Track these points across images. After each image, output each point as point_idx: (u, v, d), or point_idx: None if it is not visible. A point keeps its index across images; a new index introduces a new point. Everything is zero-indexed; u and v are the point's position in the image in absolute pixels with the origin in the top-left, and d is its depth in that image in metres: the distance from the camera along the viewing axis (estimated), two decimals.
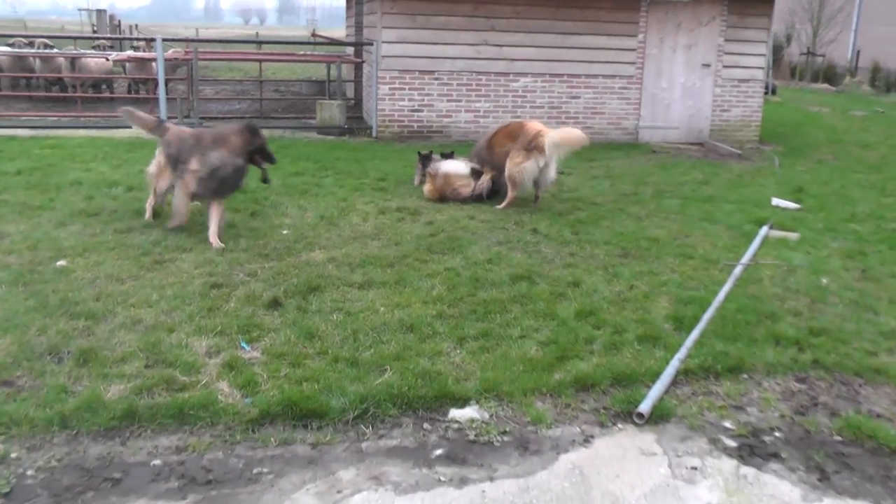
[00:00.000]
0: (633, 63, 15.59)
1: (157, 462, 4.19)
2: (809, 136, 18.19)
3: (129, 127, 14.97)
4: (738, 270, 7.44)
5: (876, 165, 14.41)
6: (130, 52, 20.64)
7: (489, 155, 10.03)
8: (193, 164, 7.88)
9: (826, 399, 5.23)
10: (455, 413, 4.80)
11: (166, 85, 20.39)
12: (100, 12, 32.59)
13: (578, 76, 15.46)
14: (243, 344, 5.55)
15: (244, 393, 4.85)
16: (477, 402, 4.91)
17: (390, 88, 14.86)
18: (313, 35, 25.26)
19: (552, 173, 9.63)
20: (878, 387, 5.40)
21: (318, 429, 4.57)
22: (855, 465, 4.46)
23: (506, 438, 4.58)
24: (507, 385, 5.06)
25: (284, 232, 8.21)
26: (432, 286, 6.76)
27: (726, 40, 15.85)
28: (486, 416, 4.79)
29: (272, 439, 4.43)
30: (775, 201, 10.58)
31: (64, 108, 18.00)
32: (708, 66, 15.88)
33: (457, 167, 9.95)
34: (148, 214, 8.52)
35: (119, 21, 36.41)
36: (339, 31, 28.65)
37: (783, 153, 15.43)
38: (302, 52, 20.45)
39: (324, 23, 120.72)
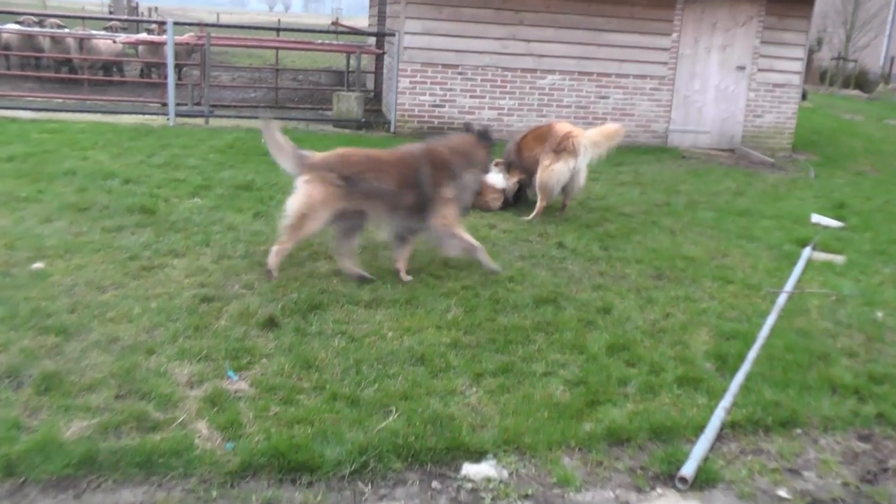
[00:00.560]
0: (666, 63, 14.85)
1: None
2: (845, 145, 17.40)
3: (134, 112, 14.52)
4: (782, 299, 6.75)
5: None
6: (141, 35, 20.01)
7: (518, 158, 9.36)
8: (447, 192, 6.71)
9: None
10: (469, 469, 4.14)
11: (179, 70, 19.97)
12: None
13: (608, 75, 14.73)
14: (230, 373, 4.90)
15: (226, 436, 4.20)
16: (495, 457, 4.24)
17: (411, 82, 14.18)
18: (334, 24, 24.57)
19: (582, 179, 8.96)
20: None
21: (309, 485, 3.91)
22: None
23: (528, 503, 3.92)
24: (530, 435, 4.40)
25: None
26: (447, 308, 6.08)
27: (762, 42, 15.08)
28: (505, 474, 4.12)
29: (254, 497, 3.78)
30: (815, 218, 9.85)
31: (72, 90, 17.41)
32: (743, 68, 15.11)
33: (493, 179, 9.16)
34: (276, 266, 6.52)
35: (137, 3, 35.80)
36: (364, 21, 27.94)
37: (818, 163, 14.68)
38: (320, 41, 19.76)
39: (349, 11, 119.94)
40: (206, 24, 17.03)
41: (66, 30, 20.61)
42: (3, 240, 6.82)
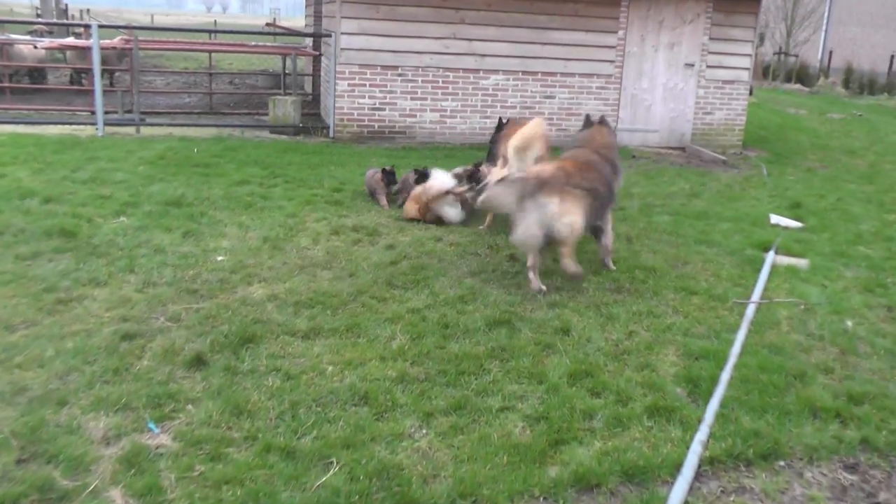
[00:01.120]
0: (613, 61, 14.49)
1: None
2: (792, 140, 17.27)
3: (62, 123, 13.75)
4: (750, 311, 6.37)
5: (867, 175, 13.49)
6: (67, 40, 19.11)
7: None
8: (616, 186, 7.23)
9: (887, 497, 4.15)
10: None
11: (111, 76, 19.15)
12: None
13: (554, 74, 14.33)
14: (151, 424, 4.35)
15: None
16: None
17: (349, 84, 13.62)
18: (269, 24, 23.87)
19: None
20: None
21: None
22: None
23: None
24: (489, 486, 3.92)
25: (220, 258, 6.99)
26: (392, 335, 5.58)
27: (711, 39, 14.81)
28: None
29: None
30: (774, 219, 9.55)
31: None
32: (691, 66, 14.83)
33: (443, 180, 8.67)
34: (536, 284, 6.61)
35: (66, 5, 34.59)
36: (302, 21, 27.30)
37: (769, 160, 14.49)
38: (254, 43, 19.07)
39: (287, 12, 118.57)
40: (135, 27, 16.22)
41: None
42: None
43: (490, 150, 9.45)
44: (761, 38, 34.72)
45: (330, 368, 5.05)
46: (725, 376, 5.14)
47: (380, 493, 3.81)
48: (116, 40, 17.55)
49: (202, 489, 3.77)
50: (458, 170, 8.97)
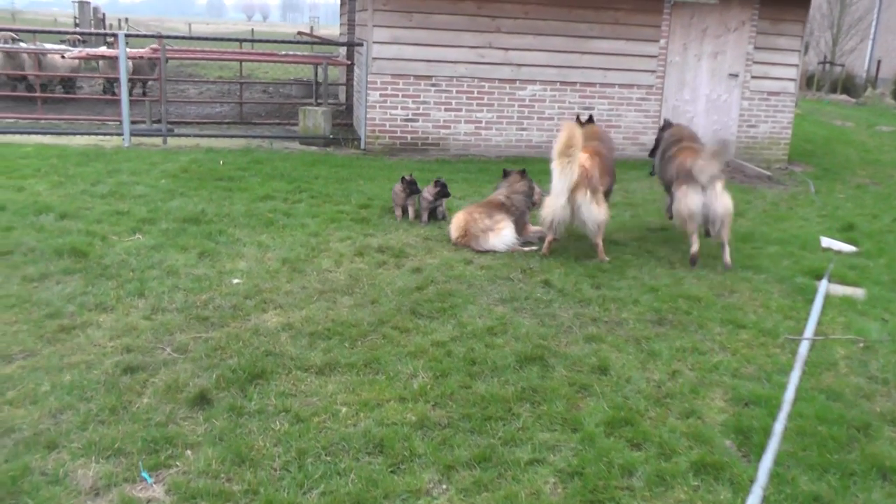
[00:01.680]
0: (654, 71, 13.98)
1: None
2: (840, 154, 16.60)
3: (89, 133, 13.51)
4: (803, 349, 5.85)
5: None
6: (100, 49, 18.97)
7: None
8: None
9: None
10: None
11: (144, 85, 18.98)
12: (83, 4, 30.77)
13: (593, 85, 13.84)
14: (144, 474, 3.96)
15: None
16: None
17: (381, 95, 13.24)
18: (300, 34, 23.59)
19: (585, 211, 7.56)
20: None
21: None
22: None
23: None
24: None
25: (235, 281, 6.61)
26: (414, 372, 5.14)
27: (756, 48, 14.24)
28: None
29: None
30: (826, 242, 8.98)
31: (27, 109, 16.37)
32: (735, 76, 14.27)
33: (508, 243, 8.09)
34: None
35: (104, 14, 34.67)
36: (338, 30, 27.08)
37: (816, 175, 13.86)
38: (284, 53, 18.78)
39: (326, 20, 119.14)
40: (164, 36, 15.98)
41: (23, 44, 19.53)
42: None
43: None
44: (805, 47, 33.90)
45: (344, 410, 4.62)
46: (779, 427, 4.64)
47: None
48: (145, 50, 17.38)
49: None
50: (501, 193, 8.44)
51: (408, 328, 5.84)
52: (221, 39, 17.42)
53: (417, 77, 13.25)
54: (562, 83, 13.75)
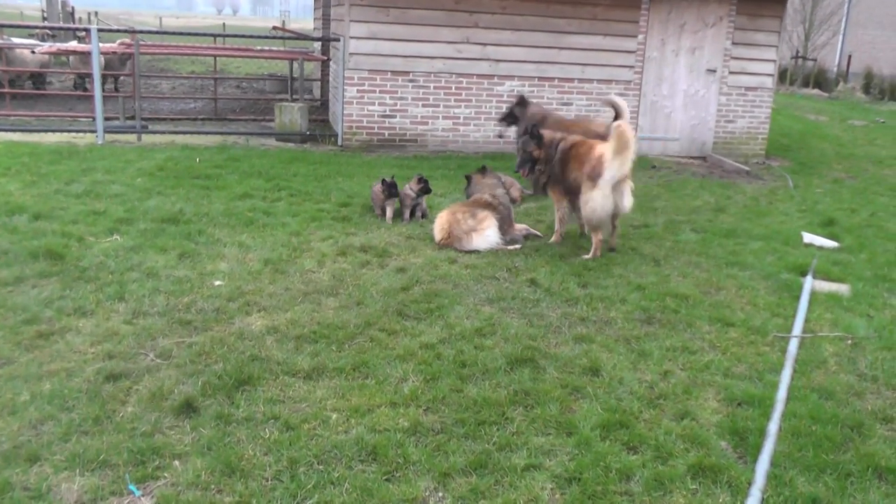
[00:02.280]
0: (632, 67, 13.95)
1: None
2: (816, 149, 16.69)
3: (61, 130, 13.27)
4: (793, 346, 5.83)
5: None
6: (70, 44, 18.65)
7: (561, 172, 8.13)
8: None
9: None
10: None
11: (115, 81, 18.70)
12: None
13: (571, 80, 13.79)
14: (131, 486, 3.84)
15: None
16: None
17: (359, 91, 13.10)
18: (275, 28, 23.36)
19: (626, 202, 7.72)
20: None
21: None
22: None
23: None
24: None
25: (217, 283, 6.48)
26: (404, 376, 5.06)
27: (734, 44, 14.25)
28: None
29: None
30: (807, 238, 8.99)
31: None
32: (713, 71, 14.28)
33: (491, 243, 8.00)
34: None
35: (73, 8, 34.11)
36: (311, 24, 26.84)
37: (793, 170, 13.93)
38: (260, 48, 18.57)
39: (297, 13, 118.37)
40: (137, 31, 15.73)
41: None
42: None
43: None
44: None
45: (334, 416, 4.53)
46: (774, 427, 4.61)
47: None
48: (116, 44, 17.12)
49: None
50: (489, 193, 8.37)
51: (395, 330, 5.75)
52: (195, 34, 17.22)
53: (395, 73, 13.14)
54: (540, 78, 13.68)
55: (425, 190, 8.77)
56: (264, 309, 6.01)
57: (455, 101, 13.51)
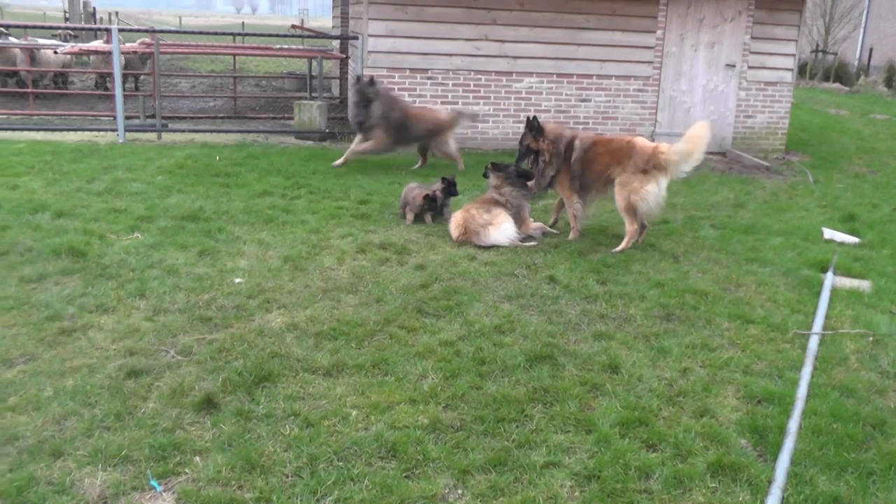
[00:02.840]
0: (651, 62, 13.90)
1: None
2: (836, 143, 16.57)
3: (83, 129, 13.37)
4: (813, 343, 5.80)
5: None
6: (94, 44, 18.80)
7: (582, 169, 8.24)
8: None
9: None
10: None
11: (136, 80, 18.82)
12: None
13: (589, 76, 13.75)
14: (153, 482, 3.88)
15: None
16: None
17: None
18: (294, 27, 23.42)
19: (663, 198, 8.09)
20: None
21: None
22: None
23: None
24: None
25: (237, 280, 6.52)
26: (423, 373, 5.07)
27: (753, 38, 14.17)
28: None
29: None
30: (828, 233, 8.93)
31: (18, 104, 16.20)
32: (732, 66, 14.19)
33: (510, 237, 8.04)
34: None
35: (94, 8, 34.35)
36: (330, 22, 26.88)
37: (813, 164, 13.83)
38: (278, 46, 18.65)
39: (316, 12, 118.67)
40: (156, 31, 15.83)
41: (12, 39, 19.33)
42: None
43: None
44: None
45: (354, 413, 4.55)
46: (794, 425, 4.59)
47: None
48: (136, 44, 17.23)
49: None
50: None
51: (414, 327, 5.76)
52: (215, 33, 17.26)
53: (413, 70, 13.15)
54: (558, 75, 13.66)
55: (452, 192, 8.67)
56: (284, 306, 6.04)
57: (473, 98, 13.50)
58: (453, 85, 13.35)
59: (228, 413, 4.49)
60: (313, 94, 16.05)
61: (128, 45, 16.29)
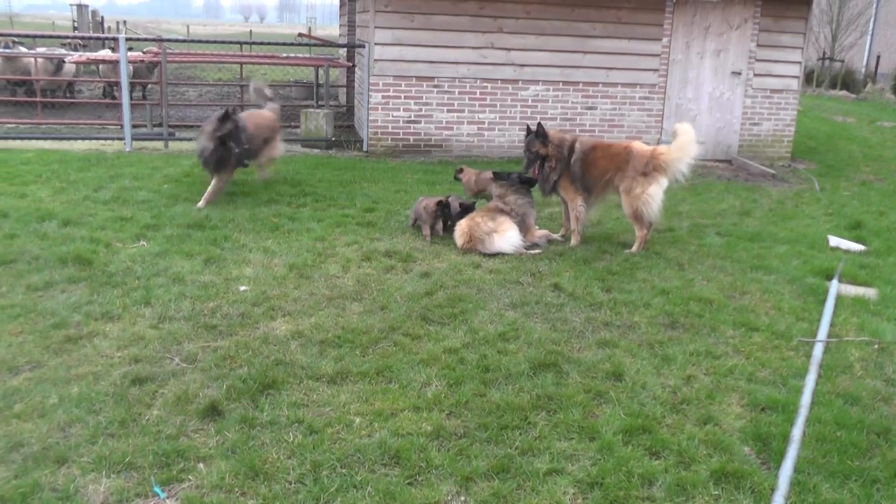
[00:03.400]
0: (657, 70, 13.91)
1: None
2: (843, 151, 16.54)
3: (90, 138, 13.44)
4: (818, 351, 5.79)
5: None
6: (102, 52, 18.90)
7: (582, 171, 8.32)
8: None
9: None
10: None
11: (143, 89, 18.91)
12: (81, 7, 30.61)
13: (595, 84, 13.77)
14: (157, 489, 3.89)
15: None
16: None
17: (384, 96, 13.17)
18: (300, 35, 23.49)
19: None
20: None
21: None
22: None
23: None
24: None
25: (242, 288, 6.54)
26: (427, 380, 5.08)
27: (759, 46, 14.17)
28: None
29: None
30: (834, 241, 8.92)
31: (26, 113, 16.28)
32: (738, 74, 14.20)
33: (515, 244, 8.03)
34: None
35: (102, 17, 34.51)
36: (337, 31, 26.95)
37: (819, 172, 13.81)
38: (285, 55, 18.72)
39: (323, 20, 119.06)
40: (164, 39, 15.91)
41: (23, 48, 19.43)
42: None
43: None
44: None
45: (358, 420, 4.56)
46: (798, 433, 4.58)
47: None
48: (141, 53, 17.30)
49: None
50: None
51: (419, 335, 5.77)
52: (222, 42, 17.34)
53: (419, 78, 13.18)
54: (564, 83, 13.68)
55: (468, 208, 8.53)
56: (289, 314, 6.06)
57: (480, 106, 13.53)
58: (459, 93, 13.38)
59: (232, 420, 4.50)
60: (320, 103, 16.10)
61: (135, 53, 16.35)
